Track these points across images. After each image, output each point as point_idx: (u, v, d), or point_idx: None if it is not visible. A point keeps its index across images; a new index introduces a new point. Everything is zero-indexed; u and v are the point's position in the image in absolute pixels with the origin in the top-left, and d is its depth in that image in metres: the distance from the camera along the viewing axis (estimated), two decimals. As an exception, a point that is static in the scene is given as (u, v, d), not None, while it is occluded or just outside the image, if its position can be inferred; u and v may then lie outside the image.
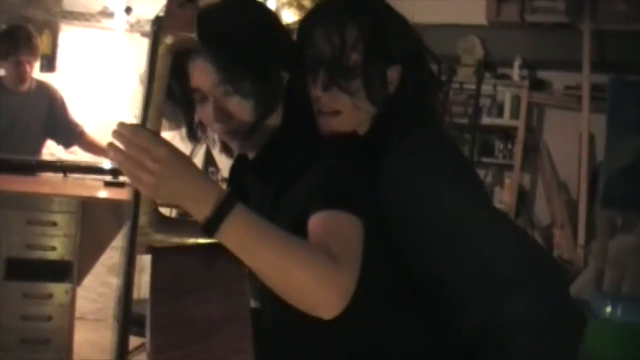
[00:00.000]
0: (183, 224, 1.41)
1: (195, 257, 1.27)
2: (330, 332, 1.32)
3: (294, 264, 1.20)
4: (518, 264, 1.49)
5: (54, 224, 3.56)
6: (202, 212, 1.17)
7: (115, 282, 4.97)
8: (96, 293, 4.82)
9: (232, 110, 1.42)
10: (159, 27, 1.24)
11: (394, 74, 1.53)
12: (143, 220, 1.29)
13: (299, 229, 1.29)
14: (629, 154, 4.86)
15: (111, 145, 1.19)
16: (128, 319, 1.33)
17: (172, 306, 1.24)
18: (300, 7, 4.21)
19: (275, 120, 1.47)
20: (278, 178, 1.46)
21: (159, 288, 1.27)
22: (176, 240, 1.33)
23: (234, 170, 1.67)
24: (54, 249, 3.57)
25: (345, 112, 1.48)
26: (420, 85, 1.55)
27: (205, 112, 1.45)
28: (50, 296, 3.58)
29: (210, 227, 1.17)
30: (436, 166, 1.48)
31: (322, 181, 1.35)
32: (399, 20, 1.58)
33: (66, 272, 3.60)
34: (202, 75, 1.41)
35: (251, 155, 1.53)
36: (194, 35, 1.23)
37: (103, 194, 3.78)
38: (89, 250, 3.70)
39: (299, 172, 1.41)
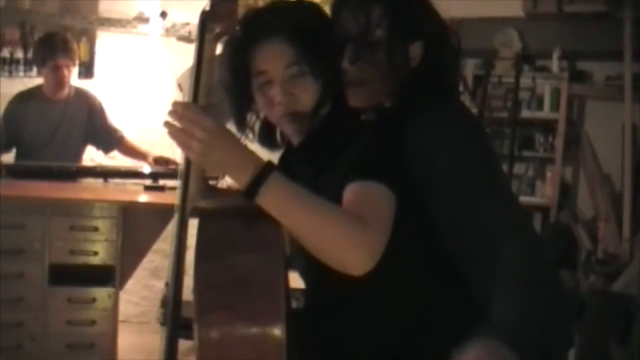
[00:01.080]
0: (227, 193, 1.63)
1: (236, 217, 1.41)
2: (365, 304, 1.48)
3: (324, 223, 1.34)
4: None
5: (96, 229, 3.62)
6: (243, 178, 1.32)
7: (157, 284, 5.08)
8: (139, 296, 4.87)
9: (298, 91, 1.54)
10: (205, 18, 1.40)
11: (416, 49, 1.64)
12: (193, 187, 1.46)
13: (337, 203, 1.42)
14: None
15: (167, 122, 1.34)
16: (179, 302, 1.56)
17: (215, 259, 1.36)
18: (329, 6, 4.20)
19: (327, 107, 1.59)
20: (320, 161, 1.56)
21: (203, 245, 1.39)
22: (217, 205, 1.52)
23: (281, 161, 1.74)
24: (96, 253, 3.62)
25: (370, 83, 1.59)
26: (441, 61, 1.65)
27: (268, 94, 1.56)
28: (94, 300, 3.64)
29: (250, 191, 1.32)
30: (454, 141, 1.54)
31: (357, 157, 1.47)
32: (422, 0, 1.69)
33: (108, 276, 3.66)
34: (274, 56, 1.53)
35: (297, 142, 1.63)
36: (236, 26, 1.42)
37: (143, 197, 3.82)
38: (130, 254, 3.74)
39: (338, 155, 1.53)
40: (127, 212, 3.64)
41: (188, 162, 1.44)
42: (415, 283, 1.53)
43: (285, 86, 1.54)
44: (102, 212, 3.63)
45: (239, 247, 1.37)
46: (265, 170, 1.32)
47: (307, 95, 1.55)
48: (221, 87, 5.07)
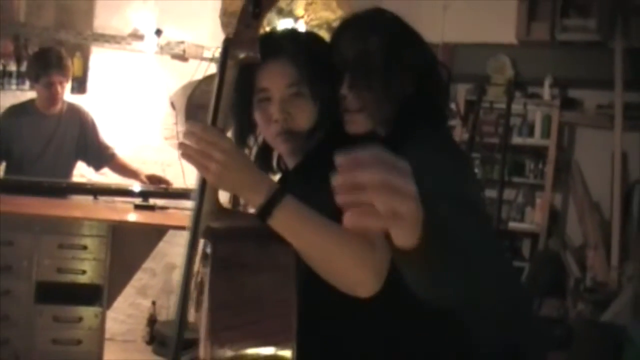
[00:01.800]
0: (238, 213, 1.75)
1: (248, 238, 1.43)
2: (365, 320, 1.48)
3: (335, 245, 1.34)
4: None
5: (84, 248, 3.58)
6: (257, 199, 1.34)
7: (143, 303, 5.01)
8: (125, 314, 4.81)
9: (295, 111, 1.60)
10: (228, 44, 1.43)
11: (410, 79, 1.67)
12: (205, 207, 1.46)
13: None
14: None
15: (182, 143, 1.37)
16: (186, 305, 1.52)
17: (229, 279, 1.38)
18: (330, 29, 4.20)
19: (322, 130, 1.64)
20: (315, 182, 1.53)
21: (217, 264, 1.40)
22: (230, 226, 1.53)
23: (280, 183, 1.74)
24: (84, 272, 3.58)
25: (367, 109, 1.62)
26: (433, 90, 1.69)
27: (267, 111, 1.62)
28: (80, 319, 3.59)
29: (263, 213, 1.34)
30: (439, 165, 1.54)
31: None
32: (415, 34, 1.72)
33: (96, 295, 3.61)
34: (277, 75, 1.60)
35: (291, 164, 1.69)
36: (257, 55, 1.43)
37: (133, 217, 3.77)
38: (118, 274, 3.70)
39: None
40: (117, 231, 3.60)
41: (203, 182, 1.44)
42: (408, 299, 1.52)
43: (284, 105, 1.60)
44: (91, 230, 3.59)
45: (252, 267, 1.40)
46: (279, 192, 1.35)
47: (303, 115, 1.61)
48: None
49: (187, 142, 1.37)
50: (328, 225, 1.36)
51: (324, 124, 1.63)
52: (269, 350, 1.34)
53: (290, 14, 4.16)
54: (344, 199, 0.91)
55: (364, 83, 1.62)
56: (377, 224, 0.92)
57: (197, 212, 1.44)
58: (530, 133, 6.15)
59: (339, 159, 0.93)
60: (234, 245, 1.43)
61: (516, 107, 6.08)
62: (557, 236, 5.99)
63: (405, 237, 1.02)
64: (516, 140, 6.13)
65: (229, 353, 1.32)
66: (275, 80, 1.61)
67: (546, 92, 6.04)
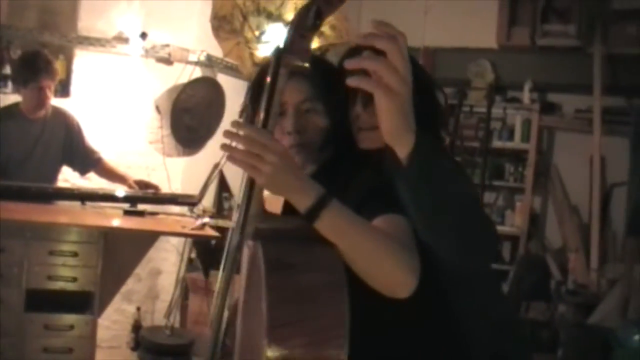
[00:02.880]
0: (279, 216, 1.66)
1: (296, 239, 1.44)
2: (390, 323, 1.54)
3: (378, 246, 1.38)
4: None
5: (75, 255, 3.50)
6: (305, 201, 1.36)
7: (128, 309, 4.93)
8: (110, 320, 4.73)
9: (308, 125, 1.69)
10: (282, 51, 1.44)
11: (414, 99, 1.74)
12: (252, 209, 1.46)
13: None
14: (654, 182, 4.82)
15: (225, 146, 1.35)
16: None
17: (282, 278, 1.38)
18: (319, 34, 4.17)
19: (333, 145, 1.73)
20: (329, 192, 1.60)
21: (269, 264, 1.39)
22: (277, 227, 1.53)
23: None
24: (74, 279, 3.50)
25: (379, 127, 1.65)
26: (431, 111, 1.73)
27: (282, 124, 1.67)
28: (71, 327, 3.51)
29: (311, 215, 1.36)
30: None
31: (370, 194, 1.57)
32: (413, 57, 1.75)
33: (87, 302, 3.54)
34: (295, 90, 1.67)
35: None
36: (307, 64, 1.46)
37: (124, 223, 3.70)
38: (109, 281, 3.63)
39: (345, 188, 1.60)
40: (108, 238, 3.53)
41: (251, 185, 1.44)
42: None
43: (298, 119, 1.69)
44: (82, 237, 3.51)
45: (302, 267, 1.41)
46: (327, 195, 1.37)
47: (316, 129, 1.70)
48: (199, 110, 4.87)
49: (235, 144, 1.36)
50: (371, 228, 1.42)
51: (336, 138, 1.72)
52: (323, 345, 1.36)
53: (279, 18, 4.12)
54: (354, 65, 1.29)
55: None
56: (372, 86, 1.28)
57: (245, 214, 1.45)
58: (510, 137, 6.20)
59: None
60: (283, 246, 1.44)
61: (496, 111, 6.15)
62: (537, 239, 6.04)
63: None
64: (496, 143, 6.19)
65: (286, 349, 1.34)
66: (292, 96, 1.68)
67: (526, 96, 6.10)
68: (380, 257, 1.38)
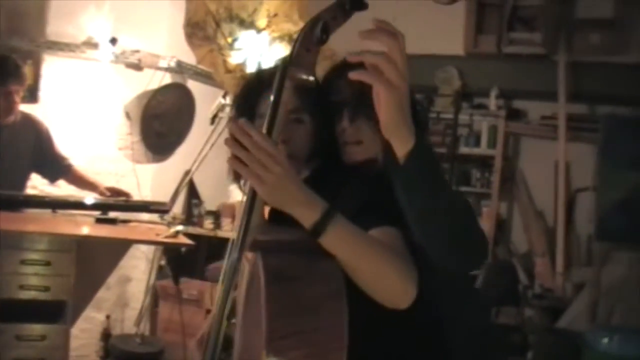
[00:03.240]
0: (281, 227, 1.60)
1: (296, 251, 1.44)
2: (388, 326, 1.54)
3: (380, 259, 1.38)
4: None
5: (48, 263, 3.44)
6: (310, 216, 1.35)
7: (97, 316, 4.86)
8: (78, 329, 4.64)
9: (294, 135, 1.69)
10: (287, 66, 1.43)
11: None
12: (254, 220, 1.44)
13: None
14: (622, 188, 4.91)
15: (232, 142, 1.33)
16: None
17: (283, 289, 1.37)
18: (291, 41, 4.17)
19: (318, 159, 1.74)
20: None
21: (270, 276, 1.38)
22: (279, 238, 1.52)
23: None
24: (47, 288, 3.44)
25: (366, 141, 1.73)
26: (420, 120, 1.75)
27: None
28: (44, 338, 3.45)
29: (318, 229, 1.35)
30: None
31: (363, 207, 1.56)
32: None
33: (60, 312, 3.48)
34: (285, 97, 1.64)
35: None
36: (312, 79, 1.45)
37: (96, 231, 3.65)
38: (83, 289, 3.58)
39: (333, 197, 1.55)
40: (82, 246, 3.47)
41: (253, 194, 1.42)
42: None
43: (284, 130, 1.63)
44: (55, 245, 3.45)
45: (303, 279, 1.41)
46: (332, 209, 1.36)
47: (302, 141, 1.71)
48: (169, 116, 4.81)
49: (238, 148, 1.34)
50: (372, 240, 1.43)
51: (322, 150, 1.73)
52: (323, 357, 1.37)
53: (252, 25, 4.11)
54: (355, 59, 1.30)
55: (362, 118, 1.73)
56: (373, 79, 1.30)
57: (246, 224, 1.43)
58: (477, 143, 6.25)
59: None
60: (283, 258, 1.43)
61: (463, 117, 6.20)
62: (504, 244, 6.10)
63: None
64: (463, 149, 6.24)
65: None
66: (283, 104, 1.66)
67: (492, 103, 6.16)
68: (383, 270, 1.39)
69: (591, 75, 5.93)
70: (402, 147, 1.37)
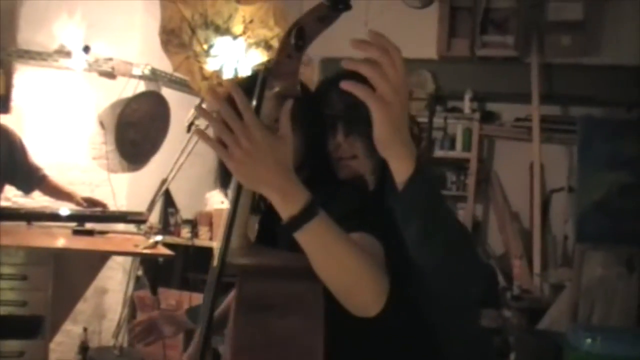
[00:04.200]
0: (266, 250, 1.54)
1: (277, 277, 1.36)
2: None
3: (358, 263, 1.28)
4: None
5: (24, 278, 3.34)
6: (288, 208, 1.24)
7: (74, 329, 4.74)
8: (54, 342, 4.51)
9: None
10: (267, 75, 1.33)
11: None
12: (235, 242, 1.34)
13: None
14: (600, 189, 4.92)
15: (202, 110, 1.26)
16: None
17: (254, 320, 1.30)
18: (267, 47, 4.11)
19: (306, 170, 1.63)
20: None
21: (243, 304, 1.31)
22: (266, 261, 1.43)
23: (264, 217, 1.76)
24: (24, 303, 3.34)
25: (361, 156, 1.70)
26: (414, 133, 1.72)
27: None
28: (21, 354, 3.35)
29: (295, 224, 1.23)
30: None
31: (345, 214, 1.45)
32: None
33: (37, 327, 3.38)
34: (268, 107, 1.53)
35: None
36: (296, 87, 1.32)
37: (73, 243, 3.56)
38: (60, 303, 3.48)
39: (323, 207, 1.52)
40: (58, 259, 3.38)
41: (235, 204, 1.33)
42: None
43: None
44: (31, 259, 3.35)
45: (279, 310, 1.32)
46: (314, 204, 1.25)
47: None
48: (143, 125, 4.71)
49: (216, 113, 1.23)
50: (351, 242, 1.31)
51: (310, 162, 1.66)
52: None
53: (228, 31, 4.04)
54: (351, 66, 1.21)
55: (357, 132, 1.69)
56: (364, 94, 1.21)
57: (226, 242, 1.33)
58: (452, 146, 6.22)
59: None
60: (261, 285, 1.34)
61: (437, 120, 6.18)
62: (480, 246, 6.08)
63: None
64: (438, 153, 6.21)
65: None
66: (270, 112, 1.58)
67: (466, 105, 6.14)
68: (358, 275, 1.29)
69: (563, 77, 5.96)
70: (399, 169, 1.30)
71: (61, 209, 3.96)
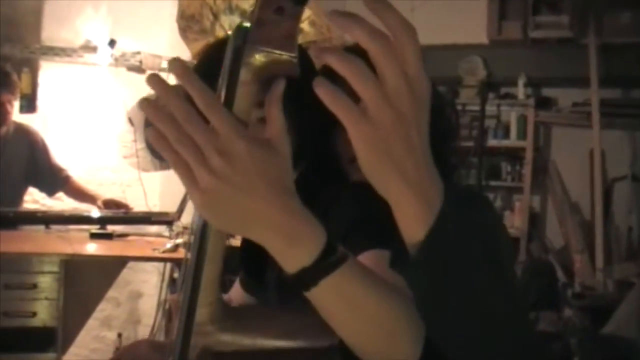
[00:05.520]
0: (251, 311, 1.09)
1: None
2: None
3: (393, 316, 0.84)
4: None
5: (34, 286, 2.99)
6: (296, 257, 0.77)
7: (108, 335, 4.39)
8: (88, 349, 4.21)
9: None
10: (245, 39, 0.77)
11: None
12: (202, 314, 0.87)
13: None
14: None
15: (154, 78, 0.76)
16: None
17: None
18: (299, 31, 3.66)
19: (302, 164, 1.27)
20: None
21: None
22: (248, 341, 0.95)
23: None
24: (34, 314, 3.00)
25: None
26: (439, 134, 1.25)
27: None
28: (32, 369, 3.00)
29: (308, 280, 0.77)
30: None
31: (353, 226, 1.12)
32: None
33: (49, 340, 3.03)
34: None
35: None
36: (292, 55, 0.77)
37: (88, 248, 3.19)
38: (73, 314, 3.11)
39: (324, 213, 1.08)
40: (70, 265, 3.02)
41: (199, 259, 0.83)
42: None
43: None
44: (41, 266, 3.01)
45: None
46: (335, 247, 0.78)
47: None
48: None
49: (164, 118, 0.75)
50: (381, 286, 0.85)
51: (305, 157, 1.25)
52: None
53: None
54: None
55: None
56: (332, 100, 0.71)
57: (187, 320, 0.83)
58: (506, 135, 5.72)
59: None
60: None
61: (490, 108, 5.65)
62: (538, 240, 5.56)
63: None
64: (491, 142, 5.70)
65: None
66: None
67: (520, 91, 5.63)
68: (393, 330, 0.86)
69: (623, 58, 5.36)
70: (404, 219, 0.78)
71: (86, 211, 3.61)
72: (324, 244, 0.78)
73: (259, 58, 0.77)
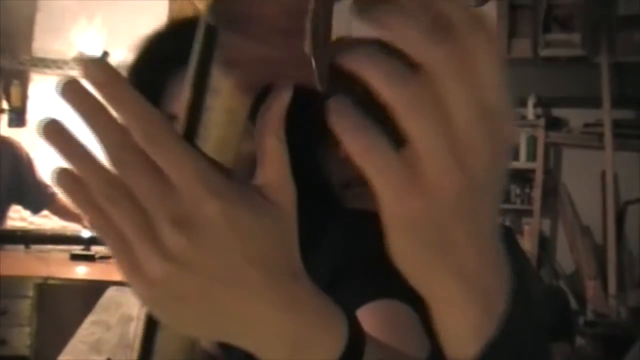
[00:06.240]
0: None
1: None
2: None
3: None
4: None
5: (4, 312, 2.69)
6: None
7: (97, 360, 4.07)
8: (77, 374, 3.93)
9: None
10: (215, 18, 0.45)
11: None
12: None
13: None
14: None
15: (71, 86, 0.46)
16: None
17: None
18: None
19: None
20: None
21: None
22: None
23: None
24: (3, 342, 2.69)
25: None
26: None
27: None
28: (1, 401, 2.70)
29: None
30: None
31: (351, 263, 0.91)
32: None
33: (20, 370, 2.73)
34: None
35: None
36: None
37: (65, 270, 2.90)
38: (47, 341, 2.81)
39: (315, 242, 0.95)
40: (45, 289, 2.72)
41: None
42: None
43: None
44: (12, 290, 2.72)
45: None
46: (362, 347, 0.50)
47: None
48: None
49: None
50: None
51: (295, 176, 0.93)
52: None
53: None
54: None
55: None
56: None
57: None
58: (515, 156, 5.42)
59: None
60: None
61: (498, 128, 5.39)
62: (548, 265, 5.25)
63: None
64: (500, 164, 5.42)
65: None
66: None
67: (530, 111, 5.34)
68: None
69: (637, 77, 5.10)
70: (454, 329, 0.49)
71: (67, 231, 3.32)
72: (343, 348, 0.49)
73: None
